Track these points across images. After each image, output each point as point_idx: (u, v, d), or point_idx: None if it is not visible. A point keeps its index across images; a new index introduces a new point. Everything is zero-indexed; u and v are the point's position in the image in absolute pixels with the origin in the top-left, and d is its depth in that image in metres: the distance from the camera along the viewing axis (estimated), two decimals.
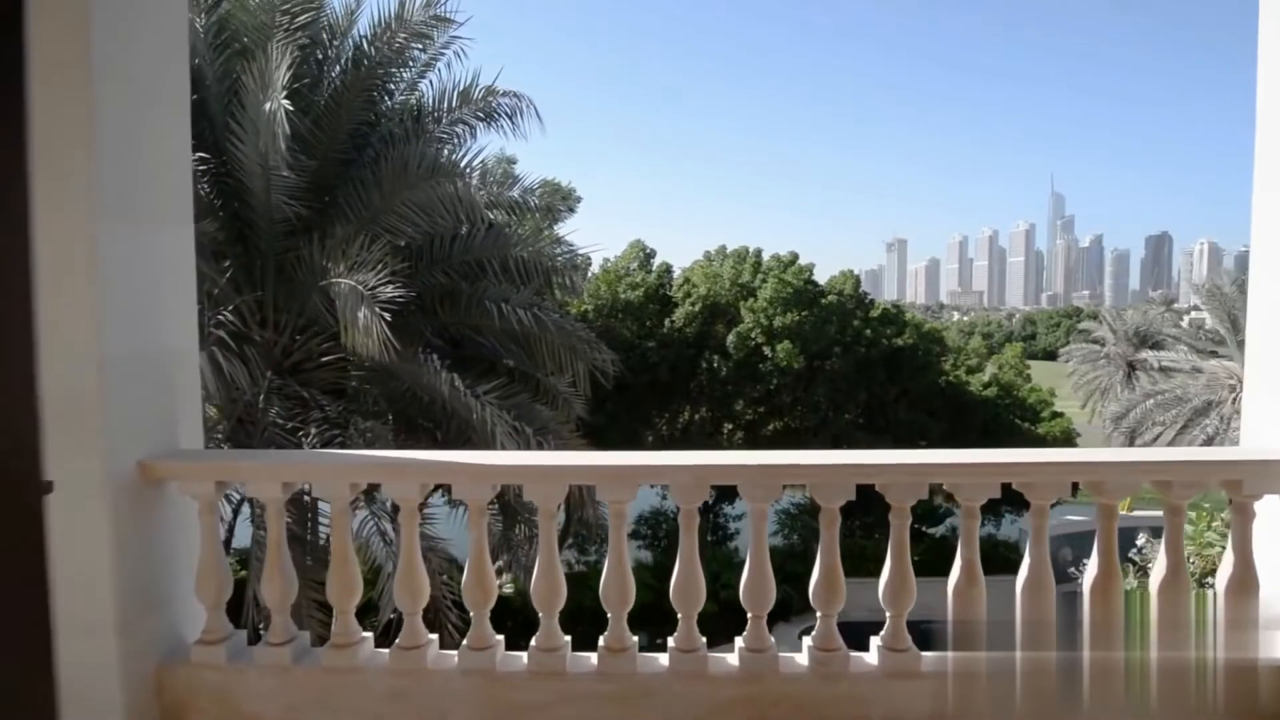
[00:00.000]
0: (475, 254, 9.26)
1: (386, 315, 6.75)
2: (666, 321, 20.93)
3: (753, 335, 20.39)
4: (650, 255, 22.16)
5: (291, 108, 7.12)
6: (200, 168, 7.76)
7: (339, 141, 8.37)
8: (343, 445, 7.14)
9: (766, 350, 20.38)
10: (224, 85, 8.14)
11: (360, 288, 6.69)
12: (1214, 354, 53.00)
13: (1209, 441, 27.67)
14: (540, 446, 8.16)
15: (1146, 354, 48.14)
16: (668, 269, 22.27)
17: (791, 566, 18.71)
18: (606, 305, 20.37)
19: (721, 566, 18.39)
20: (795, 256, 22.67)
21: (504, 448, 7.13)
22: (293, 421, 7.40)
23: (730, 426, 24.17)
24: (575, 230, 22.04)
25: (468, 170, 9.05)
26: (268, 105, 6.85)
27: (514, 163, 16.55)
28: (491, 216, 10.82)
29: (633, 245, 22.03)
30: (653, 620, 17.98)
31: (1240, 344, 29.23)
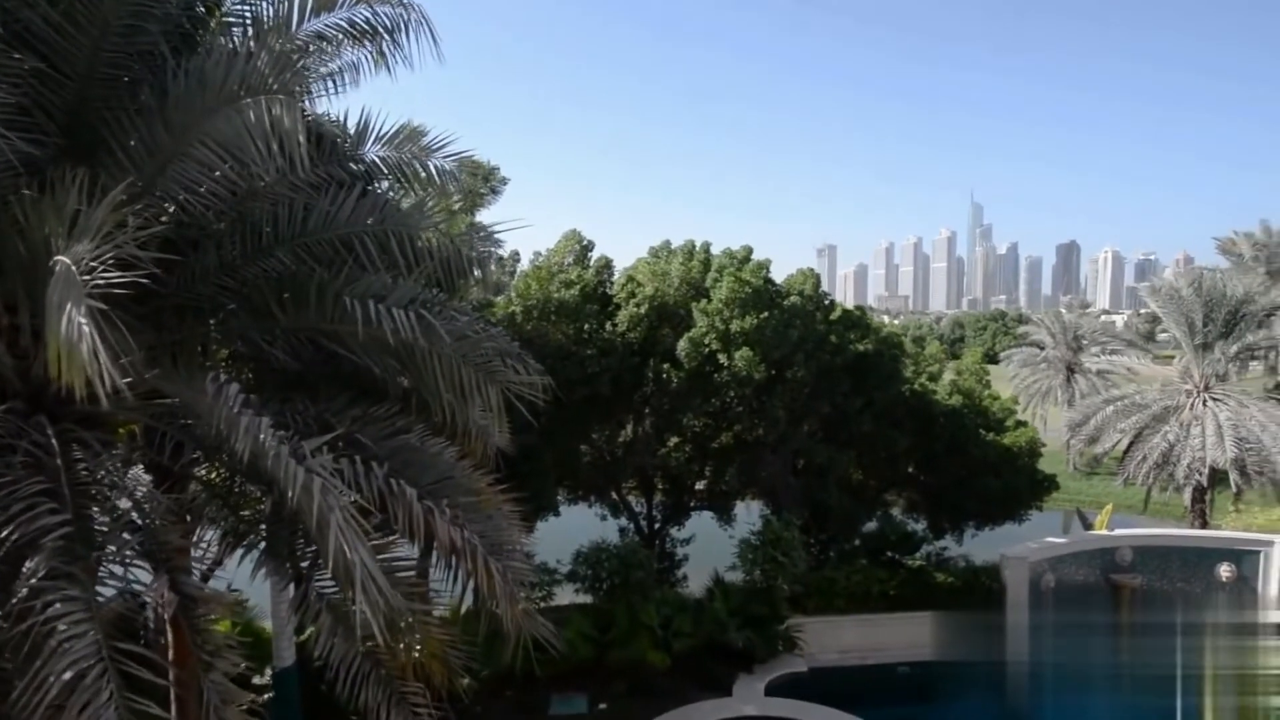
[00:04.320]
0: (340, 229, 6.38)
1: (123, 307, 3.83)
2: (608, 325, 18.19)
3: (707, 340, 17.86)
4: (588, 248, 19.30)
5: None
6: None
7: (108, 48, 5.36)
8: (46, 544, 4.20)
9: (722, 358, 17.88)
10: None
11: (73, 267, 3.79)
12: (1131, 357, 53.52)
13: (1170, 449, 26.70)
14: (429, 514, 5.36)
15: (1098, 358, 48.10)
16: (608, 265, 19.50)
17: (754, 608, 16.26)
18: (537, 306, 17.49)
19: (673, 610, 15.78)
20: (749, 251, 20.28)
21: (345, 545, 4.29)
22: None
23: (676, 439, 21.71)
24: (498, 217, 18.98)
25: (311, 95, 6.15)
26: None
27: (424, 134, 13.48)
28: (383, 187, 7.94)
29: (567, 236, 19.14)
30: (592, 679, 15.01)
31: (1198, 348, 28.48)
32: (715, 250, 20.59)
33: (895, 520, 21.53)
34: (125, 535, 4.91)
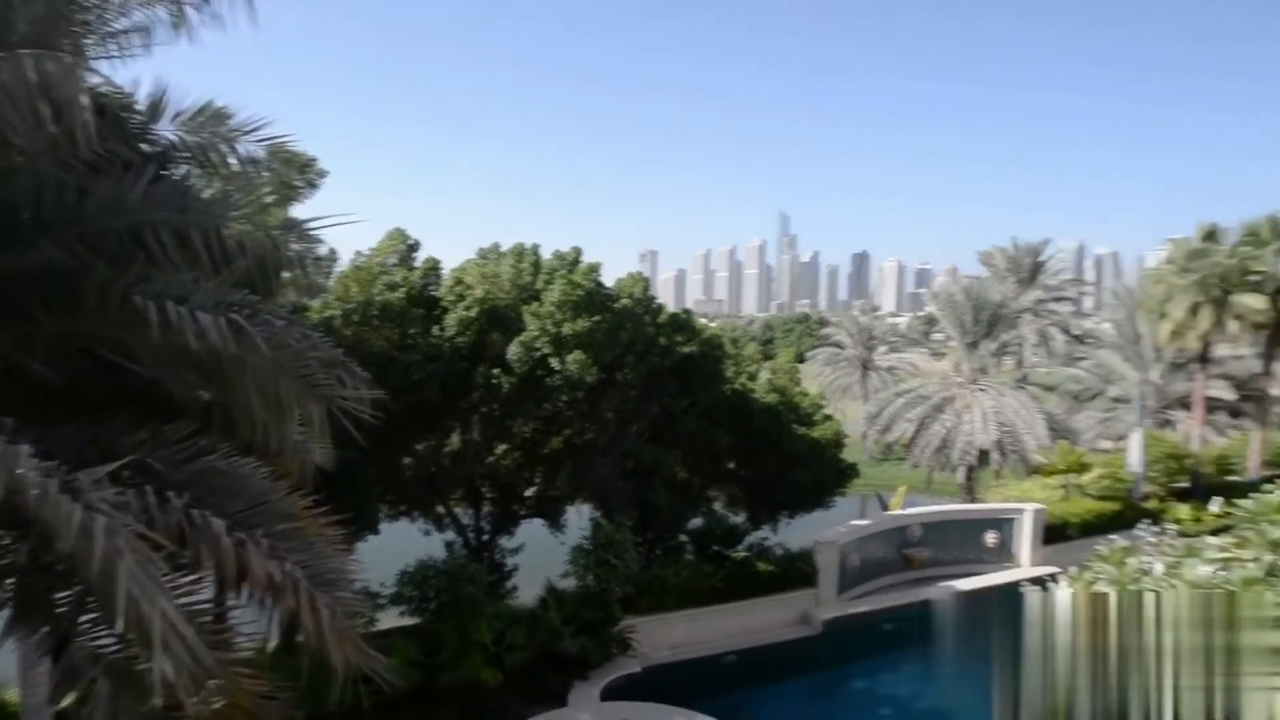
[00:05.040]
0: (129, 217, 5.47)
1: None
2: (435, 329, 17.37)
3: (538, 344, 17.58)
4: (414, 247, 18.30)
5: None
6: None
7: None
8: None
9: (554, 361, 17.69)
10: None
11: None
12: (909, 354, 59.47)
13: (948, 434, 30.14)
14: (241, 547, 4.71)
15: (887, 356, 53.19)
16: (435, 266, 18.62)
17: (588, 613, 16.21)
18: (358, 310, 16.33)
19: (506, 623, 15.33)
20: (579, 253, 20.27)
21: (141, 595, 3.63)
22: None
23: (505, 446, 21.23)
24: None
25: (86, 58, 5.24)
26: None
27: (231, 115, 12.09)
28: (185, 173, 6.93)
29: (391, 235, 18.02)
30: (420, 705, 14.14)
31: (967, 346, 32.40)
32: (545, 253, 20.39)
33: (718, 515, 22.46)
34: None
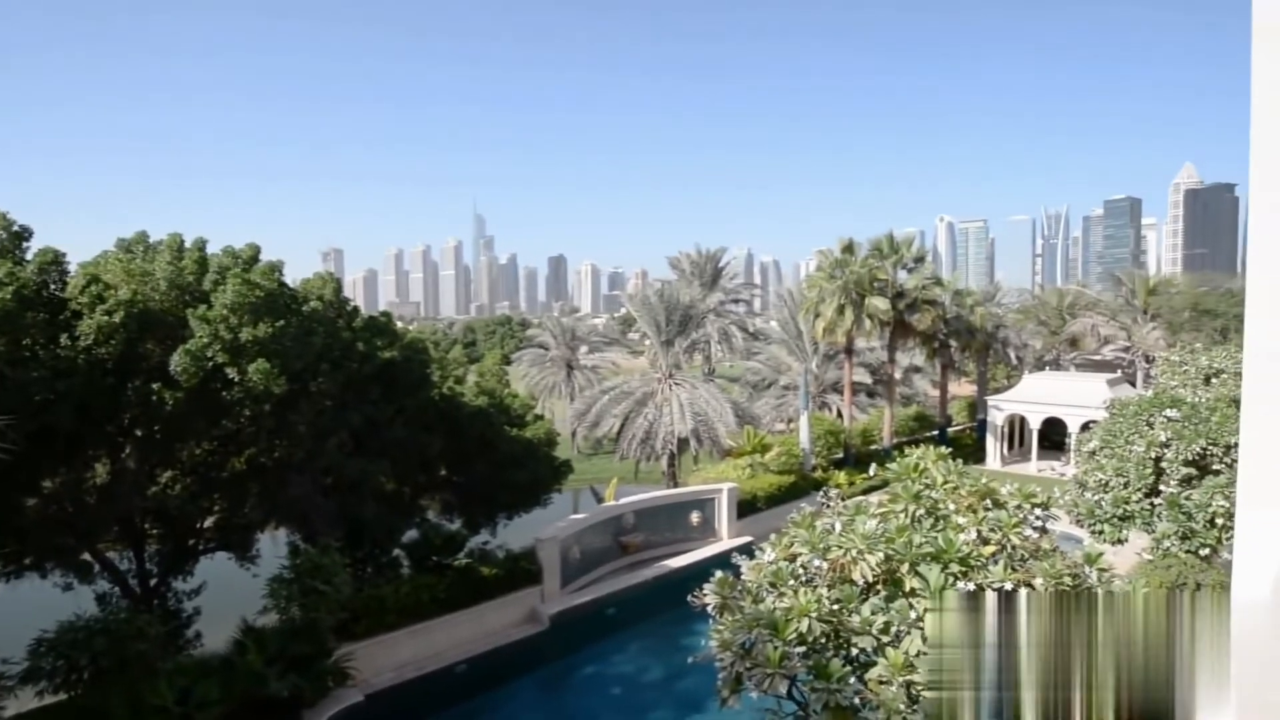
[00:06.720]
0: None
1: None
2: (64, 338, 14.01)
3: (210, 353, 15.10)
4: (22, 235, 14.48)
5: None
6: None
7: None
8: None
9: (231, 372, 15.34)
10: None
11: None
12: (619, 352, 63.23)
13: (650, 427, 32.29)
14: None
15: (590, 355, 55.23)
16: (57, 260, 14.98)
17: (297, 648, 14.33)
18: None
19: (193, 678, 12.93)
20: (257, 250, 17.92)
21: None
22: None
23: (172, 474, 18.08)
24: None
25: None
26: None
27: None
28: None
29: None
30: None
31: (663, 344, 35.00)
32: (213, 248, 17.64)
33: (435, 524, 21.50)
34: None
